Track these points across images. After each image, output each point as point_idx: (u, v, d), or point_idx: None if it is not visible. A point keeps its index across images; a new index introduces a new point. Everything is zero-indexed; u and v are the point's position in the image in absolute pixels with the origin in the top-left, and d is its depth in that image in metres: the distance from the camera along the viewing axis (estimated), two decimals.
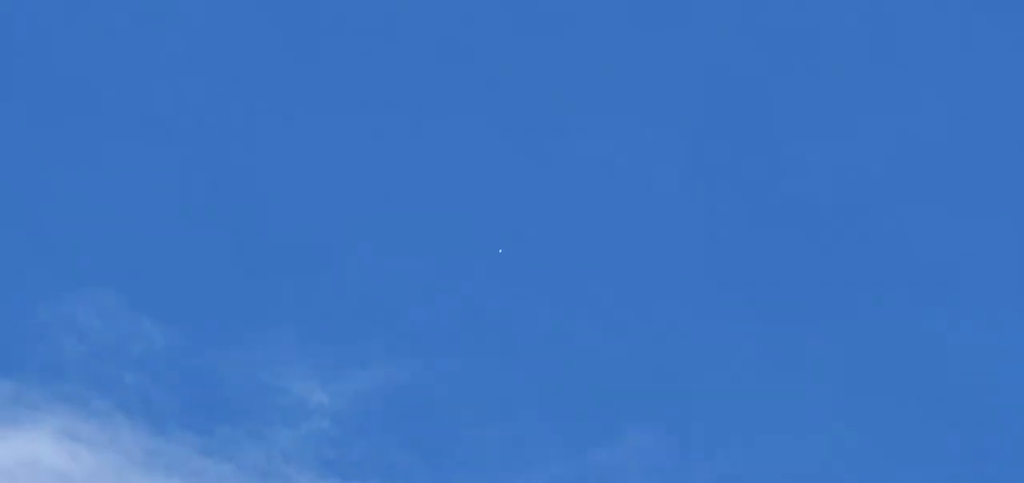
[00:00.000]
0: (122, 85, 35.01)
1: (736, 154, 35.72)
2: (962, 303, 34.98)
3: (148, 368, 29.47)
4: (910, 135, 36.44)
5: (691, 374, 31.72)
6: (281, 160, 34.60)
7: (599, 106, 36.51)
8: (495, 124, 35.45)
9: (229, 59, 36.04)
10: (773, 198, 34.87)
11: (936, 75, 37.54)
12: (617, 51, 37.60)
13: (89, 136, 34.12)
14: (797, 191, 35.28)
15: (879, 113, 36.84)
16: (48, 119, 34.29)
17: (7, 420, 28.09)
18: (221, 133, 34.89)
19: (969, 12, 38.36)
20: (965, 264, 34.49)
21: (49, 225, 32.53)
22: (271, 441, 28.74)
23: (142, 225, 32.31)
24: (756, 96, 37.07)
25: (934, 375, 32.86)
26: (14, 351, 29.70)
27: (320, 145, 34.82)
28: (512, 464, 29.48)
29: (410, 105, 35.69)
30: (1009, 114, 36.84)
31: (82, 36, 35.88)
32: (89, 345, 29.70)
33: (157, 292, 31.10)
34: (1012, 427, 32.26)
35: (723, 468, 29.92)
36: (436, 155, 34.64)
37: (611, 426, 30.12)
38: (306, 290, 31.78)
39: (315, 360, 29.87)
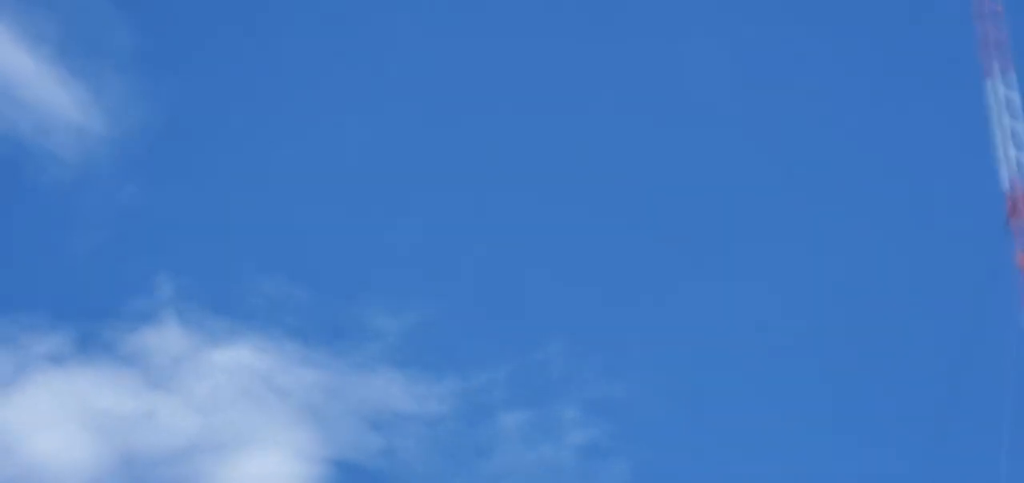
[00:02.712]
0: None
1: None
2: None
3: (300, 313, 58.90)
4: None
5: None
6: None
7: None
8: None
9: None
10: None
11: None
12: None
13: None
14: None
15: None
16: None
17: (227, 341, 58.51)
18: None
19: None
20: None
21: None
22: (364, 351, 57.92)
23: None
24: None
25: None
26: (234, 305, 58.93)
27: None
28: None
29: None
30: None
31: None
32: (270, 301, 58.95)
33: (307, 269, 59.69)
34: None
35: None
36: None
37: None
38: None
39: (387, 295, 59.45)
